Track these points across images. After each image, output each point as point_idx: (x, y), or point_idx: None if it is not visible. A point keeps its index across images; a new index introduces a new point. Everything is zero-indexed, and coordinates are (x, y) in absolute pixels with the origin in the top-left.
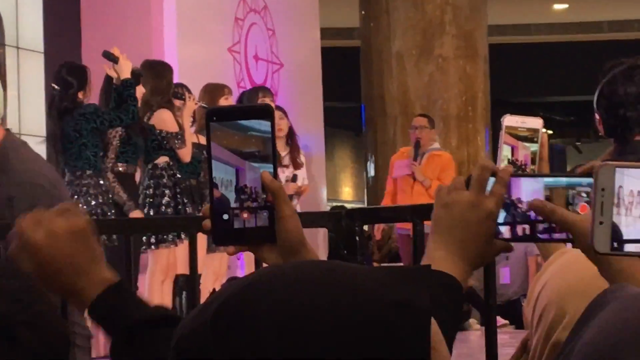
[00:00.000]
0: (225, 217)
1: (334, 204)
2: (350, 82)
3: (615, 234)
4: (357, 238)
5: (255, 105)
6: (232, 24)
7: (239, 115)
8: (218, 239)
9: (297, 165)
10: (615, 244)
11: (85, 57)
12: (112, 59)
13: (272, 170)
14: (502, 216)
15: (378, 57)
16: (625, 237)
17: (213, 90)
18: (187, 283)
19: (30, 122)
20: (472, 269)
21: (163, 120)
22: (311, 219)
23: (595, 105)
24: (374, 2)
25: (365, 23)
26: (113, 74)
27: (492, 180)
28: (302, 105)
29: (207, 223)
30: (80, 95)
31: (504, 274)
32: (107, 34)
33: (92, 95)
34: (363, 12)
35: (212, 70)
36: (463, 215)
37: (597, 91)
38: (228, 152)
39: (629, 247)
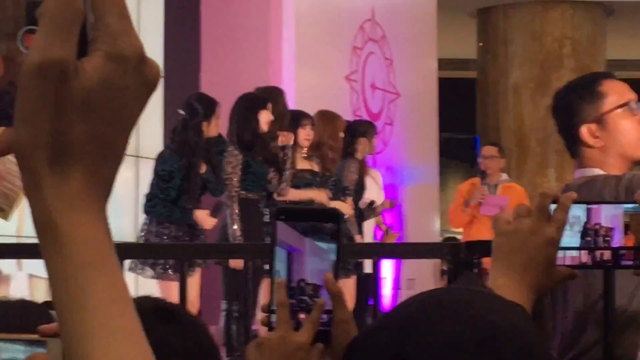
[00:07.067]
0: None
1: (446, 235)
2: (466, 114)
3: None
4: (476, 271)
5: (323, 209)
6: (350, 53)
7: (306, 217)
8: None
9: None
10: None
11: (204, 82)
12: None
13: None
14: (578, 242)
15: (494, 89)
16: None
17: (332, 119)
18: None
19: (148, 144)
20: (534, 295)
21: None
22: (429, 250)
23: None
24: (492, 33)
25: (482, 54)
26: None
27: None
28: (417, 135)
29: (264, 319)
30: (204, 125)
31: None
32: (226, 60)
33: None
34: (481, 44)
35: (329, 98)
36: (524, 242)
37: None
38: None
39: None
